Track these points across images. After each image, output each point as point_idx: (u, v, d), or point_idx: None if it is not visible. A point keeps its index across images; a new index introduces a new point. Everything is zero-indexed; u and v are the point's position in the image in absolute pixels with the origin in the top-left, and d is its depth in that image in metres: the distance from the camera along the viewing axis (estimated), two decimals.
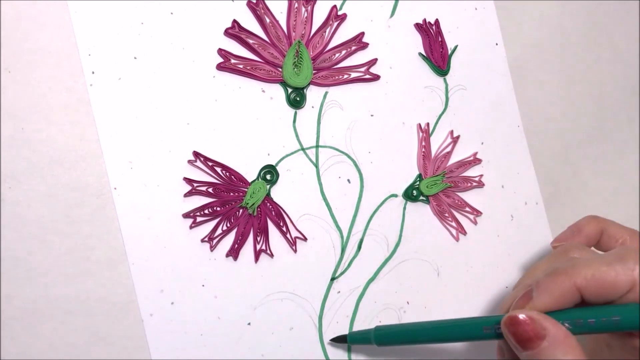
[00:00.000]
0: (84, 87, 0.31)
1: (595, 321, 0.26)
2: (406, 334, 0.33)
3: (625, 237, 0.34)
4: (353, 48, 0.37)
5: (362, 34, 0.37)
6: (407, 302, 0.38)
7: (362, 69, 0.37)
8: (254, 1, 0.35)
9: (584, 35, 0.46)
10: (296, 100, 0.36)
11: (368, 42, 0.38)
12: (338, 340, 0.35)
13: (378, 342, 0.33)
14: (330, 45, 0.37)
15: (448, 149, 0.40)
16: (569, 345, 0.26)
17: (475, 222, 0.41)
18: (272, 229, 0.35)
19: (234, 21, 0.34)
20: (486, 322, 0.29)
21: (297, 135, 0.36)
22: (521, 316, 0.27)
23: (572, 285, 0.27)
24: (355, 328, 0.36)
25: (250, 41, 0.34)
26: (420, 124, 0.39)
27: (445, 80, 0.40)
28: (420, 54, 0.39)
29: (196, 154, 0.33)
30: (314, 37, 0.36)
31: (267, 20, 0.35)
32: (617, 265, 0.26)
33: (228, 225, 0.34)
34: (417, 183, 0.39)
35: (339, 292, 0.36)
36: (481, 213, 0.41)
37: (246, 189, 0.34)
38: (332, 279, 0.36)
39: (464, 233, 0.40)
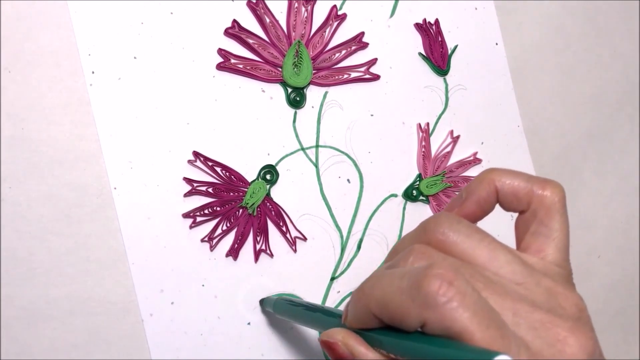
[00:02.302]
0: (84, 87, 0.31)
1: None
2: (284, 309, 0.32)
3: (532, 189, 0.25)
4: (353, 48, 0.37)
5: (362, 33, 0.37)
6: None
7: (362, 69, 0.37)
8: (254, 1, 0.35)
9: (584, 35, 0.46)
10: (296, 100, 0.36)
11: (368, 42, 0.38)
12: (261, 303, 0.35)
13: (274, 309, 0.33)
14: (330, 45, 0.37)
15: (448, 149, 0.40)
16: None
17: (475, 222, 0.41)
18: (272, 229, 0.35)
19: (234, 21, 0.34)
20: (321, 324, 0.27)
21: (297, 135, 0.36)
22: (330, 338, 0.23)
23: (368, 310, 0.21)
24: None
25: (250, 41, 0.34)
26: (420, 124, 0.39)
27: (445, 80, 0.40)
28: (420, 53, 0.39)
29: (196, 154, 0.33)
30: (314, 37, 0.36)
31: (267, 20, 0.35)
32: (406, 296, 0.19)
33: (228, 225, 0.34)
34: (417, 183, 0.39)
35: (339, 291, 0.36)
36: None
37: (246, 189, 0.34)
38: (332, 278, 0.36)
39: None
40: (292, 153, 0.36)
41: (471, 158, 0.41)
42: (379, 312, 0.21)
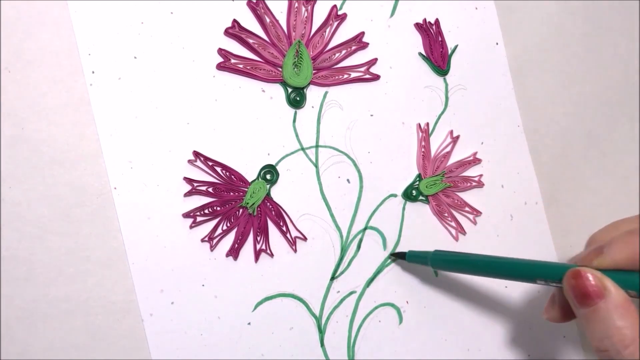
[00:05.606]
0: (84, 87, 0.31)
1: None
2: (461, 262, 0.35)
3: None
4: (353, 48, 0.37)
5: (362, 33, 0.37)
6: (407, 302, 0.38)
7: (362, 69, 0.37)
8: (254, 1, 0.35)
9: (584, 35, 0.46)
10: (296, 100, 0.36)
11: (368, 42, 0.38)
12: (397, 256, 0.37)
13: (434, 264, 0.36)
14: (331, 45, 0.37)
15: (448, 149, 0.40)
16: (627, 309, 0.25)
17: (475, 222, 0.41)
18: (272, 229, 0.35)
19: (234, 21, 0.34)
20: (542, 274, 0.30)
21: (297, 135, 0.36)
22: (585, 272, 0.26)
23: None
24: (355, 328, 0.36)
25: (250, 41, 0.34)
26: (420, 124, 0.39)
27: (445, 80, 0.40)
28: (420, 53, 0.39)
29: (196, 154, 0.33)
30: (314, 36, 0.36)
31: (267, 19, 0.35)
32: None
33: (228, 225, 0.34)
34: (417, 183, 0.39)
35: (339, 291, 0.36)
36: (481, 213, 0.41)
37: (246, 189, 0.34)
38: (332, 278, 0.36)
39: (464, 233, 0.40)
40: (292, 153, 0.36)
41: (471, 158, 0.41)
42: None
